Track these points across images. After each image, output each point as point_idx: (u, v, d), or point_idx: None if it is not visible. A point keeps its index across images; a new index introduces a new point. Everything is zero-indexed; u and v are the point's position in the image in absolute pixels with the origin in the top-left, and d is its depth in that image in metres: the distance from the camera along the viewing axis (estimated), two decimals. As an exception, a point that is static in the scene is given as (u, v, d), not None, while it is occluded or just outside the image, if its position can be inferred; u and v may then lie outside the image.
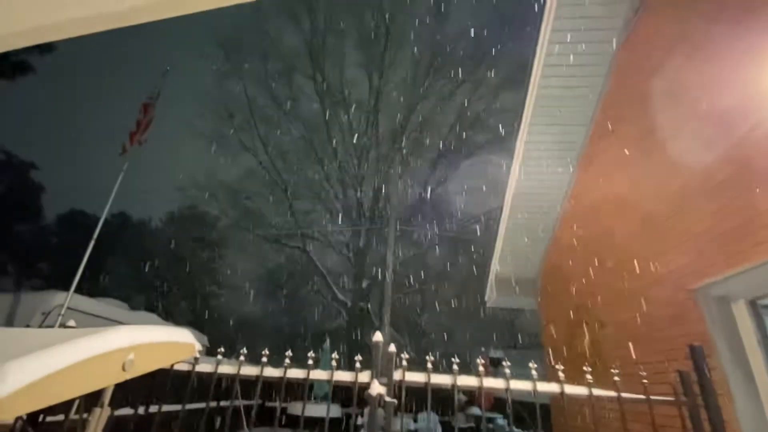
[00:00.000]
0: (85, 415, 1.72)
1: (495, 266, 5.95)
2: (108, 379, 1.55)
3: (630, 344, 3.41)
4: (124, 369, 1.57)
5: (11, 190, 20.19)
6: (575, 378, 2.30)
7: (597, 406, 2.11)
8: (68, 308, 5.63)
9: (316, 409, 8.57)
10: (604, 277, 3.95)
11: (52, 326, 5.51)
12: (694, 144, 2.88)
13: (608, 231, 3.93)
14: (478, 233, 17.30)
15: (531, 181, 5.11)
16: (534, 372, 2.15)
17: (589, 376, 2.13)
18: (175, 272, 21.37)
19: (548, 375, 4.77)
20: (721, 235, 2.53)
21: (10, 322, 5.81)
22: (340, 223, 19.67)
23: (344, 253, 19.63)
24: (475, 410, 10.45)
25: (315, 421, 8.90)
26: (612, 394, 2.12)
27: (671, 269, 2.98)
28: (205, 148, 21.16)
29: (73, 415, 2.11)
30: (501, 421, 9.87)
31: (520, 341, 19.07)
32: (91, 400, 1.83)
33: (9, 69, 15.76)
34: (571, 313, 4.54)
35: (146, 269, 20.23)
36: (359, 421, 9.03)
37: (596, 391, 2.12)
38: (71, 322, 2.45)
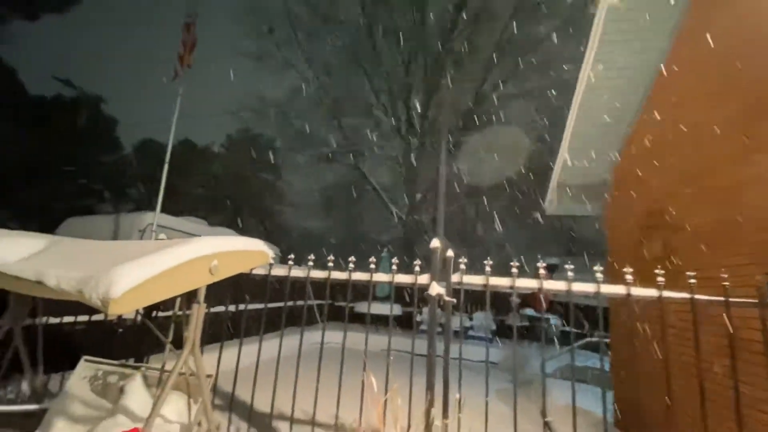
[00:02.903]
0: (186, 312, 2.02)
1: (557, 172, 5.59)
2: (199, 281, 1.78)
3: (709, 249, 3.17)
4: (211, 272, 1.78)
5: (90, 125, 22.05)
6: (642, 284, 2.22)
7: (664, 310, 2.05)
8: (158, 226, 6.40)
9: (380, 308, 9.49)
10: (686, 179, 3.55)
11: (148, 241, 6.36)
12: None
13: (697, 128, 3.41)
14: (540, 139, 16.14)
15: (606, 72, 4.45)
16: (599, 275, 2.10)
17: (660, 278, 2.04)
18: (241, 192, 23.12)
19: (611, 280, 4.69)
20: None
21: (114, 239, 6.81)
22: (390, 137, 19.31)
23: (396, 168, 19.58)
24: (529, 311, 10.92)
25: (379, 318, 9.97)
26: (684, 295, 2.04)
27: (775, 165, 2.57)
28: (251, 69, 20.95)
29: (177, 311, 2.50)
30: (555, 321, 10.28)
31: (577, 250, 18.76)
32: (190, 299, 2.13)
33: (57, 2, 16.03)
34: (642, 217, 4.25)
35: (216, 190, 22.06)
36: (418, 318, 9.91)
37: (666, 293, 2.04)
38: (162, 236, 2.79)
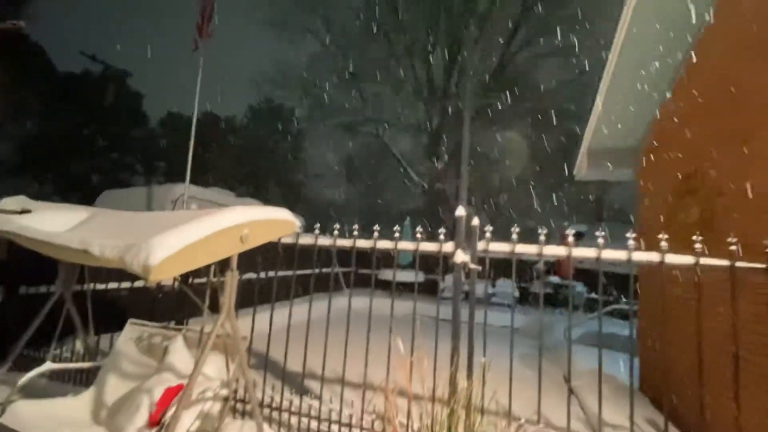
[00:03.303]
0: (220, 278, 2.11)
1: (588, 136, 5.33)
2: (231, 249, 1.84)
3: (751, 214, 2.99)
4: (242, 241, 1.84)
5: (118, 100, 22.52)
6: (675, 251, 2.14)
7: (700, 277, 1.98)
8: (189, 196, 6.62)
9: (404, 275, 9.65)
10: (729, 141, 3.31)
11: (180, 212, 6.61)
12: None
13: (742, 86, 3.14)
14: (569, 102, 15.37)
15: (645, 28, 4.10)
16: (632, 241, 2.04)
17: (698, 245, 1.96)
18: (265, 163, 23.43)
19: (642, 247, 4.53)
20: None
21: (148, 210, 7.11)
22: (411, 103, 18.81)
23: (417, 135, 19.22)
24: (553, 279, 10.86)
25: (403, 285, 10.18)
26: (723, 262, 1.96)
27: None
28: (270, 39, 20.61)
29: (212, 278, 2.62)
30: (580, 288, 10.19)
31: (605, 217, 18.21)
32: (224, 266, 2.22)
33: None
34: (679, 182, 4.03)
35: (240, 162, 22.44)
36: (441, 285, 10.04)
37: (704, 260, 1.96)
38: (194, 206, 2.89)
